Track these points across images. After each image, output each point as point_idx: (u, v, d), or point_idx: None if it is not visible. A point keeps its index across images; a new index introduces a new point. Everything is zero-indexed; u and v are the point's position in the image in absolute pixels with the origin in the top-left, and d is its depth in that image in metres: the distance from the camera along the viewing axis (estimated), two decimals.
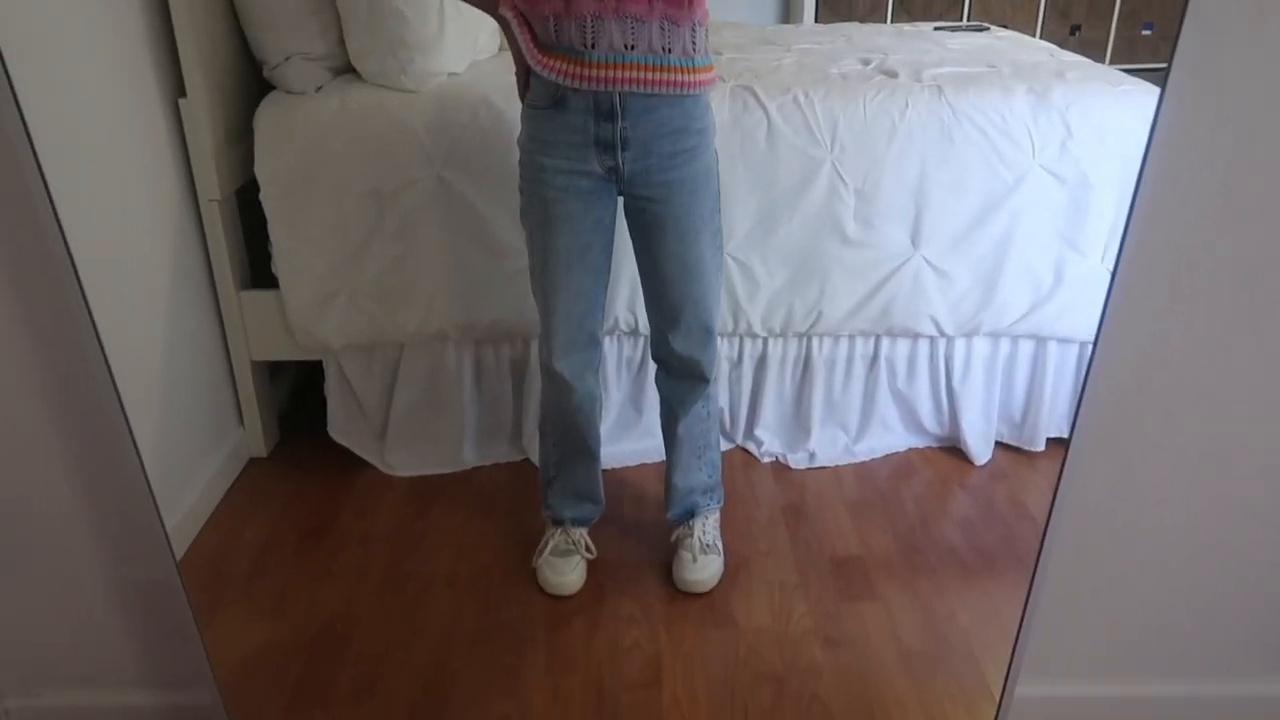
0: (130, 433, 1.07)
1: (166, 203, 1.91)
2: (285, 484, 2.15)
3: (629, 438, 2.22)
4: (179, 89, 1.90)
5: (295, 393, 2.47)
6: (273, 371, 2.27)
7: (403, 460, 2.19)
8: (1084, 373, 2.16)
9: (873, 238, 2.08)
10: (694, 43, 1.50)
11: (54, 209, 0.96)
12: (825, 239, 2.07)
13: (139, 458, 1.08)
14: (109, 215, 1.72)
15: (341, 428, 2.20)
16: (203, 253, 2.03)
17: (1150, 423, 1.18)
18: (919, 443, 2.28)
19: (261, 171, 1.98)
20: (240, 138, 2.03)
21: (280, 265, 2.05)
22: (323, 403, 2.19)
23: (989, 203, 2.06)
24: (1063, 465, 1.18)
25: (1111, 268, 2.07)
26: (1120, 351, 1.13)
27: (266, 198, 2.00)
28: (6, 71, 0.92)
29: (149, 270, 1.86)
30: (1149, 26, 4.45)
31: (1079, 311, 2.13)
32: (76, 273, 1.00)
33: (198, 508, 1.98)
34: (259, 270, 2.13)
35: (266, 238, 2.05)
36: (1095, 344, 1.20)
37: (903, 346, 2.20)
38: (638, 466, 2.19)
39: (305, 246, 2.02)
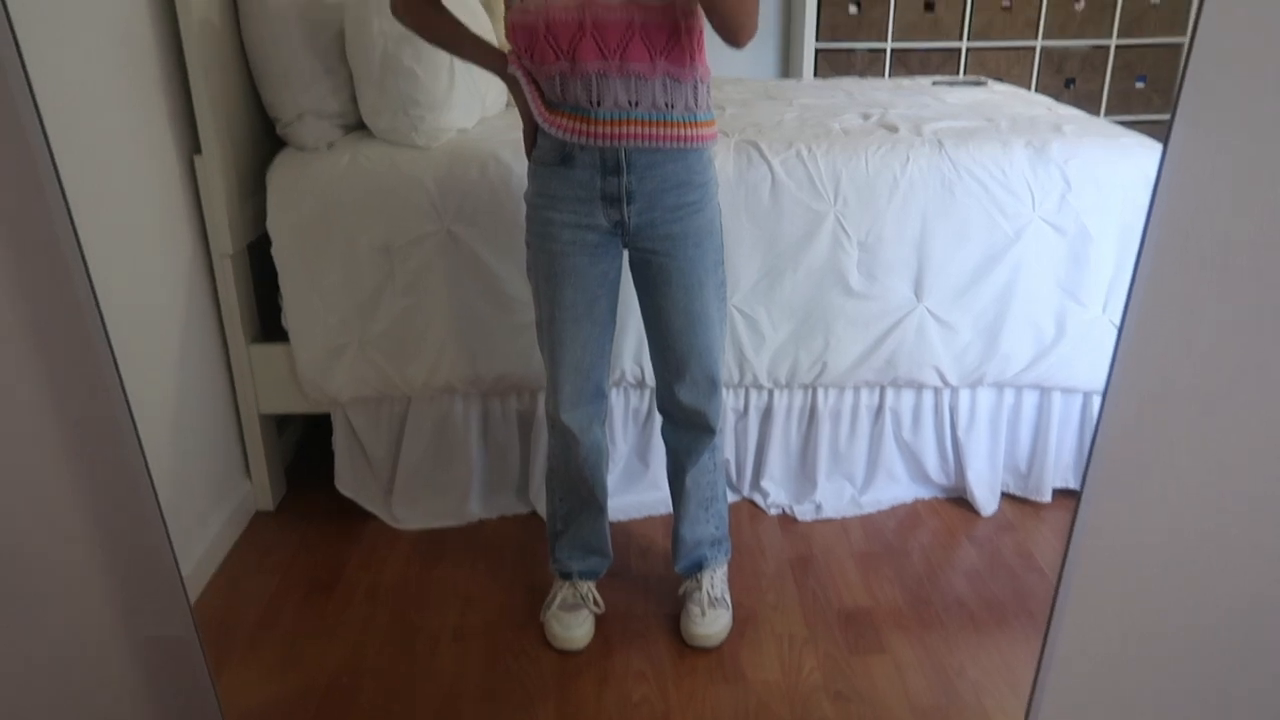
0: (153, 489, 1.07)
1: (179, 257, 1.93)
2: (292, 537, 2.14)
3: (636, 490, 2.22)
4: (194, 146, 1.93)
5: (301, 446, 2.48)
6: (279, 425, 2.28)
7: (409, 513, 2.19)
8: (1088, 423, 2.19)
9: (876, 289, 2.10)
10: (696, 99, 1.53)
11: (84, 262, 0.98)
12: (829, 291, 2.09)
13: (160, 513, 1.08)
14: (123, 270, 1.74)
15: (348, 481, 2.20)
16: (214, 306, 2.05)
17: (1161, 474, 1.19)
18: (925, 494, 2.28)
19: (274, 227, 2.01)
20: (253, 193, 2.06)
21: (290, 319, 2.06)
22: (328, 455, 2.19)
23: (990, 255, 2.09)
24: (1074, 519, 1.18)
25: (1113, 318, 2.11)
26: (1129, 402, 1.14)
27: (278, 252, 2.02)
28: (44, 129, 0.94)
29: (161, 324, 1.88)
30: (1142, 79, 4.53)
31: (1082, 362, 2.15)
32: (105, 326, 1.01)
33: (205, 561, 1.98)
34: (268, 324, 2.15)
35: (276, 291, 2.08)
36: (1104, 395, 1.21)
37: (908, 397, 2.21)
38: (644, 519, 2.19)
39: (316, 300, 2.04)
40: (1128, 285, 1.25)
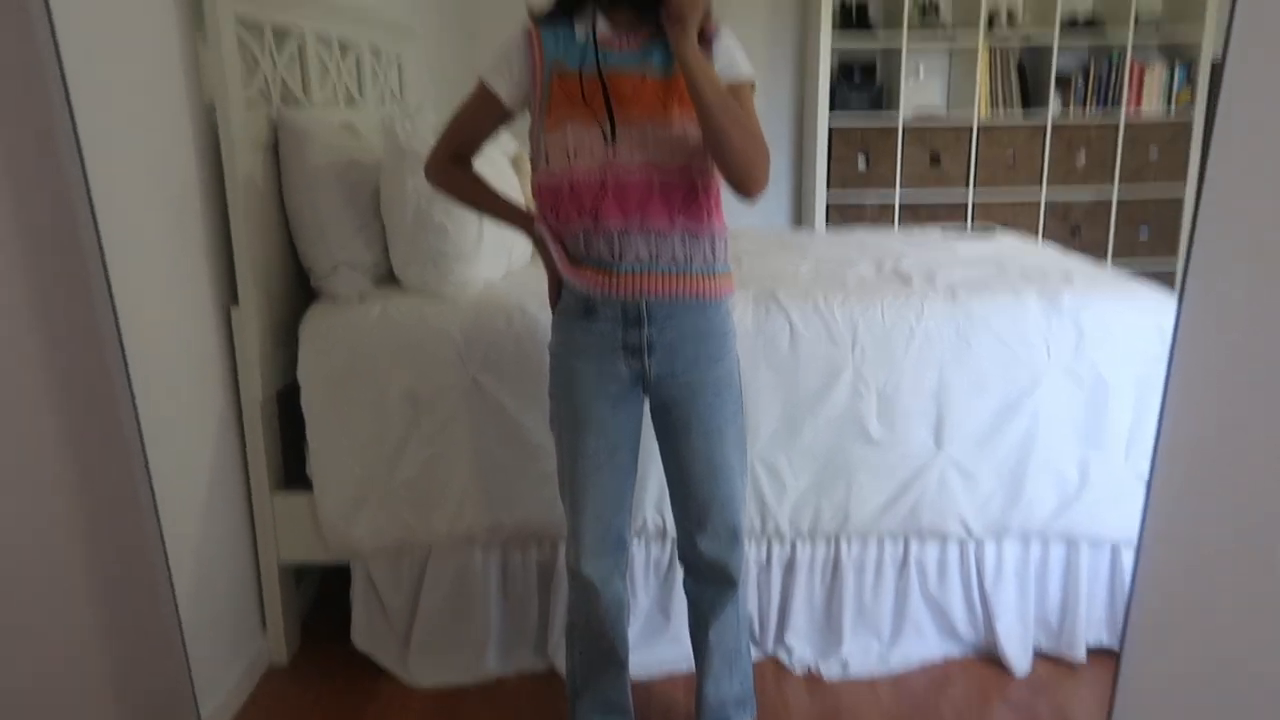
0: (184, 650, 1.06)
1: (209, 405, 1.96)
2: (306, 693, 2.08)
3: (657, 645, 2.16)
4: (232, 297, 2.00)
5: (317, 598, 2.44)
6: (296, 576, 2.26)
7: (426, 669, 2.13)
8: (1119, 577, 2.14)
9: (896, 438, 2.11)
10: (713, 253, 1.59)
11: (136, 414, 1.00)
12: (849, 439, 2.10)
13: (189, 675, 1.06)
14: (154, 418, 1.76)
15: (365, 635, 2.15)
16: (240, 453, 2.07)
17: (1201, 628, 1.16)
18: (955, 650, 2.21)
19: (304, 376, 2.05)
20: (285, 342, 2.12)
21: (316, 467, 2.08)
22: (344, 608, 2.16)
23: (1008, 404, 2.10)
24: (1114, 684, 1.15)
25: (1137, 467, 2.10)
26: (1163, 557, 1.12)
27: (307, 401, 2.06)
28: (110, 291, 0.98)
29: (188, 472, 1.89)
30: (1146, 229, 4.65)
31: (1108, 511, 2.12)
32: (152, 486, 1.02)
33: (217, 717, 1.92)
34: (291, 472, 2.16)
35: (301, 439, 2.10)
36: (1138, 551, 1.19)
37: (932, 549, 2.18)
38: (666, 679, 2.12)
39: (342, 449, 2.06)
40: (1152, 437, 1.25)
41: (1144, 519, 1.14)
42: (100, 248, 1.03)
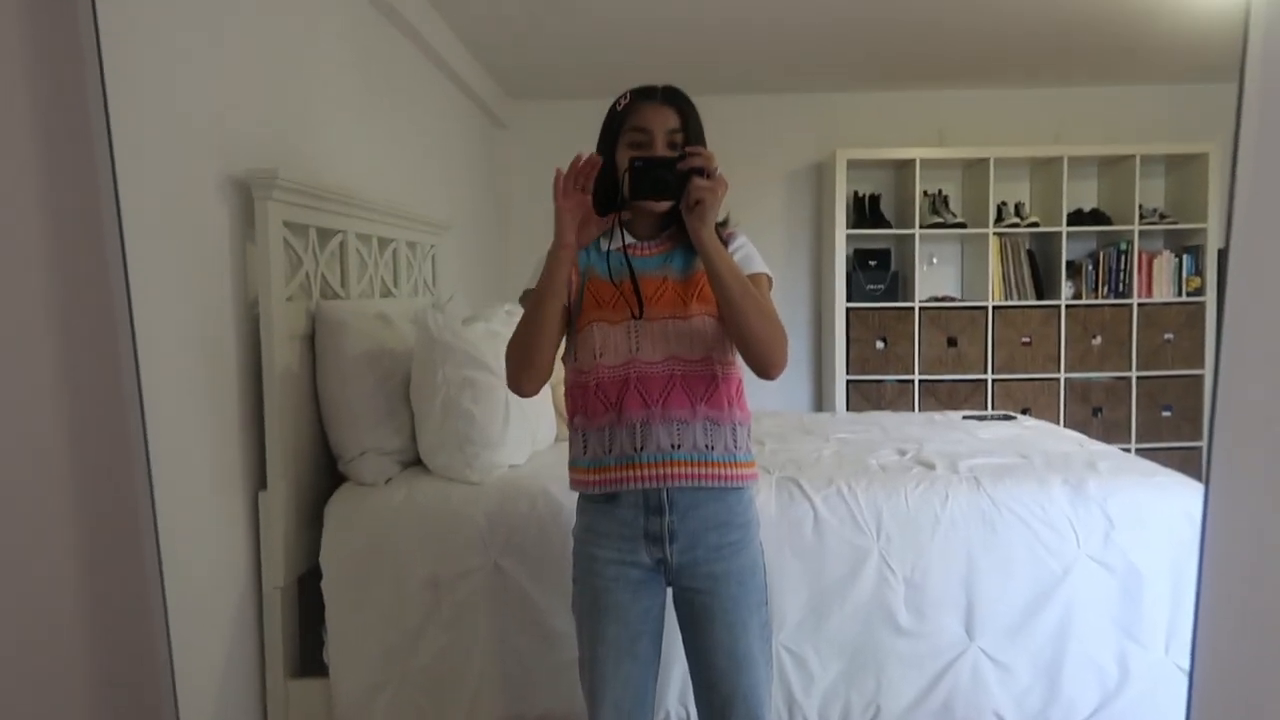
0: None
1: (231, 589, 1.96)
2: None
3: None
4: (260, 481, 2.03)
5: None
6: None
7: None
8: None
9: (926, 627, 2.06)
10: (735, 440, 1.61)
11: (165, 611, 1.01)
12: (878, 628, 2.05)
13: None
14: (173, 602, 1.76)
15: None
16: (257, 638, 2.05)
17: None
18: None
19: (327, 560, 2.06)
20: (309, 526, 2.13)
21: (333, 652, 2.05)
22: None
23: (1040, 592, 2.06)
24: None
25: (1178, 660, 2.03)
26: None
27: (329, 585, 2.05)
28: (150, 481, 1.02)
29: (202, 657, 1.87)
30: (1168, 409, 4.66)
31: (1151, 708, 2.03)
32: (173, 675, 1.02)
33: None
34: (306, 657, 2.13)
35: (318, 623, 2.08)
36: None
37: None
38: None
39: (360, 633, 2.04)
40: (1190, 631, 1.22)
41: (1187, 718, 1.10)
42: (144, 435, 1.08)
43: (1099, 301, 4.64)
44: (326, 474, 2.23)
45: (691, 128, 1.56)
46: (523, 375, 1.58)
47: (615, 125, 1.57)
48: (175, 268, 1.77)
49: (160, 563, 1.02)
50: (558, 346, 1.58)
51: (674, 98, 1.57)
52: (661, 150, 1.54)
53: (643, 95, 1.58)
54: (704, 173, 1.48)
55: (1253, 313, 1.04)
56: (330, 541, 2.06)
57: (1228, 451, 1.08)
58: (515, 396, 2.19)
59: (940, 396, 4.65)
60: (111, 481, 1.08)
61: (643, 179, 1.48)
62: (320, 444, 2.22)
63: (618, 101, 1.59)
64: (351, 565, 2.05)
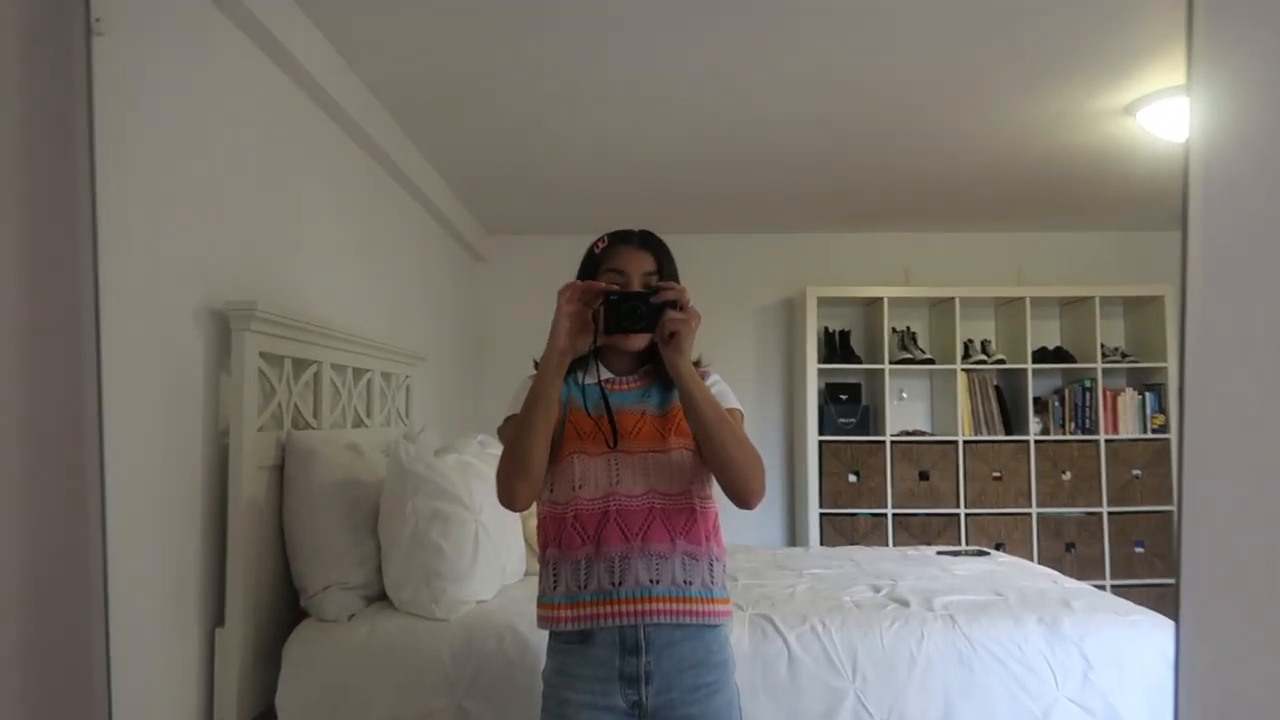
0: None
1: None
2: None
3: None
4: (218, 618, 1.97)
5: None
6: None
7: None
8: None
9: None
10: (712, 576, 1.59)
11: None
12: None
13: None
14: None
15: None
16: None
17: None
18: None
19: (283, 702, 1.97)
20: (265, 665, 2.05)
21: None
22: None
23: None
24: None
25: None
26: None
27: None
28: (106, 615, 0.99)
29: None
30: (1140, 544, 4.66)
31: None
32: None
33: None
34: None
35: None
36: None
37: None
38: None
39: None
40: None
41: None
42: (105, 567, 1.05)
43: (1067, 437, 4.70)
44: (287, 609, 2.16)
45: (665, 270, 1.62)
46: (517, 485, 1.52)
47: (592, 267, 1.62)
48: (147, 395, 1.76)
49: (110, 705, 0.99)
50: (548, 456, 1.56)
51: (649, 241, 1.63)
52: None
53: (620, 239, 1.63)
54: (677, 305, 1.52)
55: (1210, 452, 1.06)
56: (288, 682, 1.98)
57: (1196, 593, 1.08)
58: (485, 530, 2.18)
59: (914, 530, 4.63)
60: (64, 615, 1.05)
61: (618, 312, 1.51)
62: (282, 578, 2.16)
63: (595, 245, 1.64)
64: (309, 706, 1.97)
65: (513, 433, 1.55)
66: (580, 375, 1.62)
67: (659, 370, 1.60)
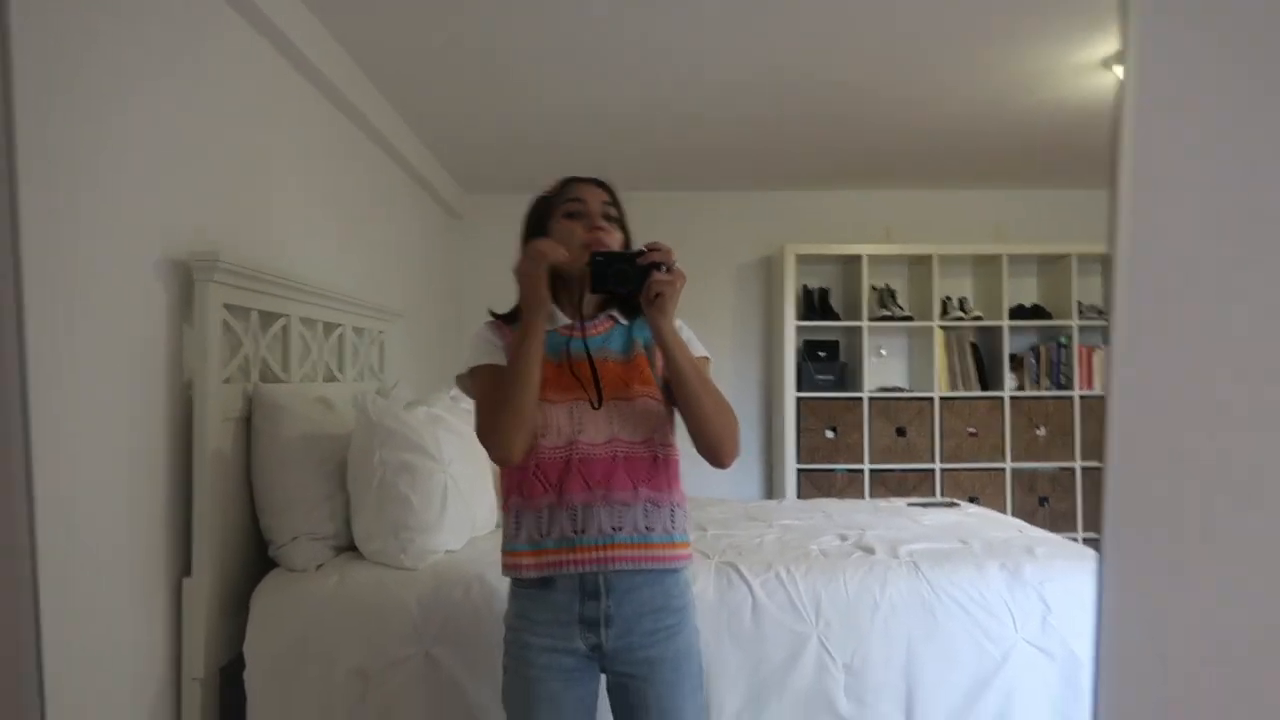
0: None
1: (149, 679, 1.89)
2: None
3: None
4: (185, 568, 1.98)
5: None
6: None
7: None
8: None
9: (867, 715, 2.03)
10: (674, 522, 1.60)
11: (41, 686, 0.97)
12: (818, 716, 2.02)
13: None
14: (90, 689, 1.69)
15: None
16: None
17: None
18: None
19: (251, 650, 1.99)
20: (234, 614, 2.07)
21: None
22: None
23: (980, 679, 2.05)
24: None
25: None
26: None
27: (251, 677, 1.98)
28: (33, 541, 0.99)
29: None
30: None
31: None
32: None
33: None
34: None
35: (241, 717, 1.99)
36: None
37: None
38: None
39: None
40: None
41: None
42: (31, 512, 1.05)
43: (1042, 393, 4.74)
44: (255, 560, 2.18)
45: (620, 206, 1.63)
46: (515, 436, 1.49)
47: (548, 206, 1.63)
48: (109, 346, 1.75)
49: (40, 652, 0.99)
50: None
51: (599, 180, 1.66)
52: (598, 218, 1.59)
53: (571, 178, 1.65)
54: (663, 267, 1.52)
55: (1136, 395, 1.07)
56: (256, 630, 2.00)
57: (1118, 530, 1.10)
58: (454, 482, 2.19)
59: (890, 485, 4.67)
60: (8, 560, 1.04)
61: (604, 271, 1.51)
62: (250, 529, 2.18)
63: (545, 193, 1.66)
64: (277, 655, 1.99)
65: (502, 390, 1.52)
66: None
67: (623, 316, 1.61)
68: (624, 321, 1.65)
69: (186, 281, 1.99)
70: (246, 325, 2.20)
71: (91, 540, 1.71)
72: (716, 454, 1.55)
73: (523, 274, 1.52)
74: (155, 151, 1.93)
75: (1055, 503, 4.70)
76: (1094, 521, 4.68)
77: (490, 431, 1.52)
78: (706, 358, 1.67)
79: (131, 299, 1.84)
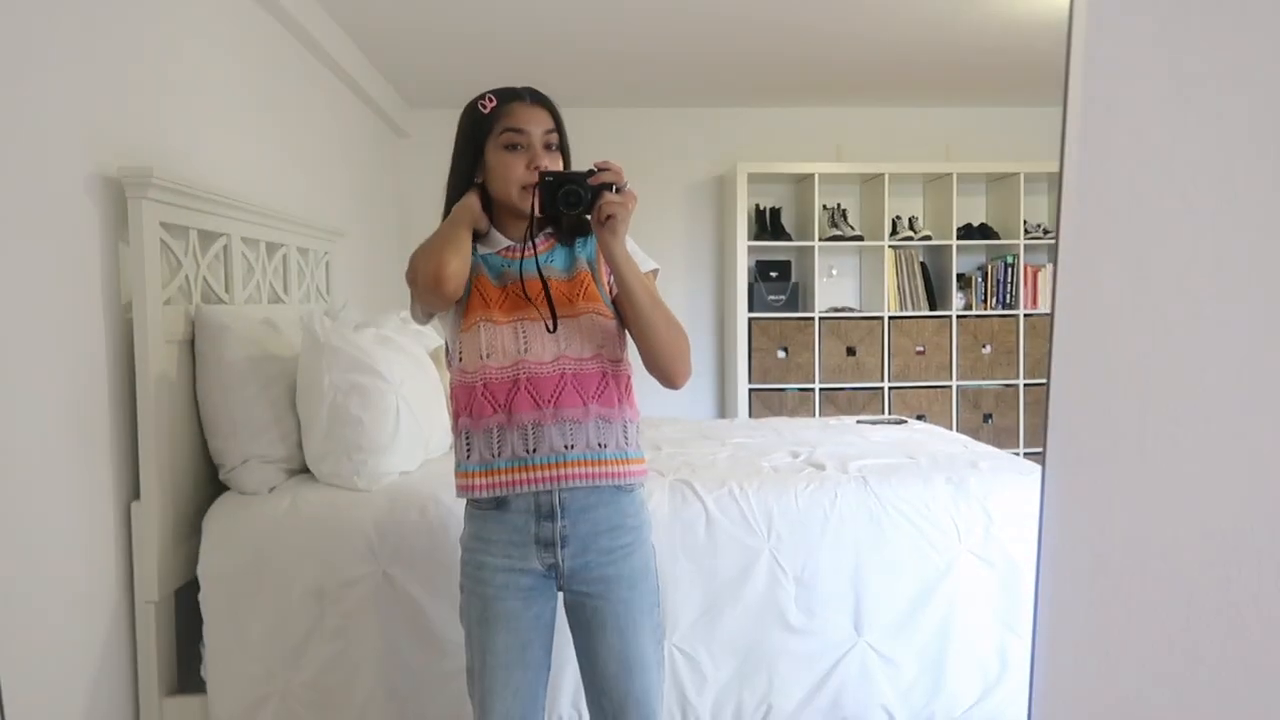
0: None
1: (101, 604, 1.87)
2: None
3: None
4: (133, 492, 1.95)
5: None
6: None
7: None
8: None
9: (816, 624, 2.09)
10: (626, 437, 1.61)
11: None
12: (769, 627, 2.08)
13: None
14: (39, 615, 1.68)
15: None
16: (130, 656, 1.96)
17: None
18: None
19: (205, 572, 1.98)
20: (186, 538, 2.05)
21: (211, 668, 1.97)
22: None
23: (924, 588, 2.12)
24: None
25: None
26: None
27: (206, 598, 1.98)
28: None
29: (71, 674, 1.78)
30: None
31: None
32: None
33: None
34: (184, 674, 2.05)
35: (196, 639, 2.00)
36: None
37: None
38: None
39: (240, 648, 1.97)
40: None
41: (1030, 712, 1.14)
42: None
43: (988, 312, 4.82)
44: (206, 483, 2.15)
45: (562, 130, 1.58)
46: (449, 257, 1.48)
47: (484, 127, 1.57)
48: (39, 266, 1.69)
49: None
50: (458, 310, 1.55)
51: (542, 99, 1.58)
52: (539, 152, 1.54)
53: (509, 96, 1.57)
54: (614, 187, 1.48)
55: (1079, 305, 1.08)
56: (209, 553, 1.99)
57: (1060, 438, 1.12)
58: (405, 403, 2.17)
59: (840, 404, 4.75)
60: None
61: (553, 193, 1.47)
62: (200, 452, 2.15)
63: (480, 103, 1.58)
64: (231, 577, 1.98)
65: (432, 239, 1.51)
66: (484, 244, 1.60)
67: (559, 233, 1.58)
68: (565, 242, 1.62)
69: (119, 199, 1.92)
70: (186, 245, 2.13)
71: (35, 466, 1.67)
72: (668, 375, 1.56)
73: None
74: (83, 65, 1.84)
75: (999, 419, 4.82)
76: (1036, 437, 4.82)
77: (419, 260, 1.50)
78: (656, 270, 1.65)
79: (63, 218, 1.77)
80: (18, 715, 1.50)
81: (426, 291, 1.50)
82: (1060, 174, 1.02)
